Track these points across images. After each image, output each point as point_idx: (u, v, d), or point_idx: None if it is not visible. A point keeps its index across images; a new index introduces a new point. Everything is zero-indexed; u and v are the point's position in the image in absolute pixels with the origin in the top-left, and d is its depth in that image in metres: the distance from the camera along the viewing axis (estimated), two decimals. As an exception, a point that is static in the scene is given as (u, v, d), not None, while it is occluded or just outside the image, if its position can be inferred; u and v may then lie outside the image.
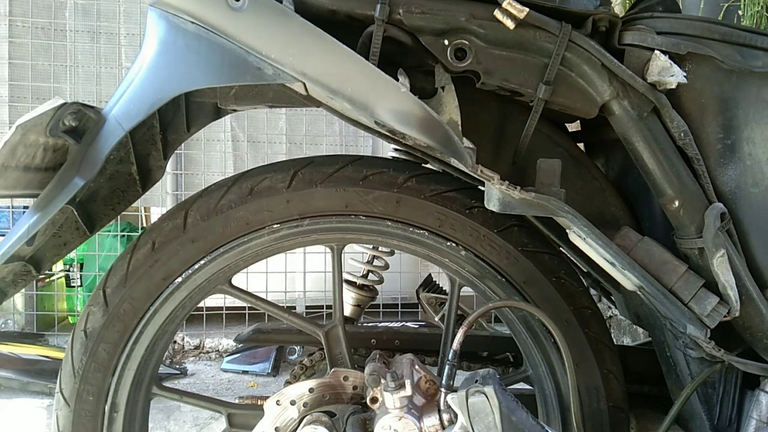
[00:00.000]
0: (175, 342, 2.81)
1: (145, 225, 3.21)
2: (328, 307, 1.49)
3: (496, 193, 0.87)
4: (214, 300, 2.69)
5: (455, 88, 0.92)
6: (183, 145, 1.25)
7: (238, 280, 1.12)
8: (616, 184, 1.11)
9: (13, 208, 2.78)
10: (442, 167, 1.09)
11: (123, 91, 0.88)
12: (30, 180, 0.88)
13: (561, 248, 1.13)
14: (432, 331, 1.42)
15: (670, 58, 0.87)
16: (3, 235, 1.26)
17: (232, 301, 2.73)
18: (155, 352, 1.09)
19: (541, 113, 0.92)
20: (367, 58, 0.85)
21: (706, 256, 0.90)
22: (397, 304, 2.96)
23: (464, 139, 0.88)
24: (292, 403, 1.06)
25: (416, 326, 1.48)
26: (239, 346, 2.69)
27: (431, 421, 0.97)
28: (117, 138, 0.87)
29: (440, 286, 1.56)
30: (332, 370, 1.09)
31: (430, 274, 1.64)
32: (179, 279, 1.02)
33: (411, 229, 1.02)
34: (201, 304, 1.16)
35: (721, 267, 0.89)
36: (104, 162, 0.88)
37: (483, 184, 0.92)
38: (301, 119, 2.94)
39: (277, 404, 1.06)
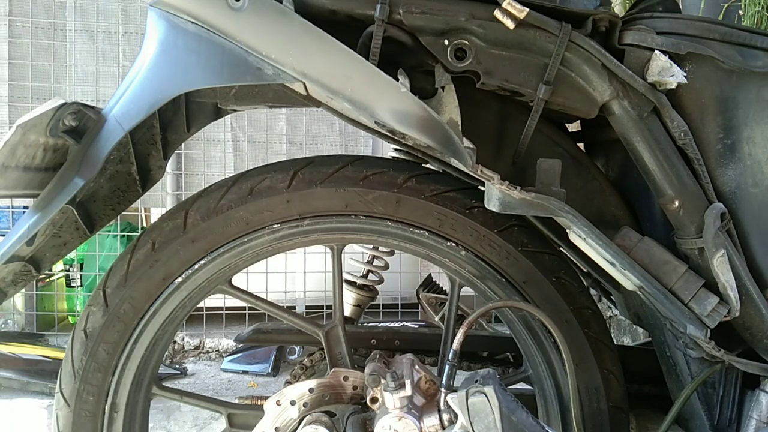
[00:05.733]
0: (175, 342, 2.81)
1: (145, 225, 3.21)
2: (328, 307, 1.49)
3: (496, 193, 0.87)
4: (214, 300, 2.69)
5: (455, 88, 0.92)
6: (183, 145, 1.26)
7: (238, 280, 1.12)
8: (616, 184, 1.11)
9: (13, 208, 2.78)
10: (442, 167, 1.09)
11: (123, 91, 0.88)
12: (30, 180, 0.88)
13: (561, 248, 1.13)
14: (432, 331, 1.42)
15: (670, 58, 0.87)
16: (3, 235, 1.26)
17: (232, 301, 2.72)
18: (155, 352, 1.09)
19: (541, 113, 0.92)
20: (367, 58, 0.85)
21: (706, 256, 0.90)
22: (397, 304, 2.96)
23: (464, 139, 0.88)
24: (292, 403, 1.06)
25: (416, 326, 1.48)
26: (239, 346, 2.69)
27: (431, 421, 0.97)
28: (117, 138, 0.87)
29: (440, 286, 1.56)
30: (332, 370, 1.09)
31: (430, 274, 1.64)
32: (179, 279, 1.02)
33: (411, 229, 1.02)
34: (201, 304, 1.16)
35: (721, 267, 0.89)
36: (104, 162, 0.88)
37: (483, 184, 0.92)
38: (301, 119, 2.94)
39: (277, 404, 1.06)
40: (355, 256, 1.42)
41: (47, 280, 2.88)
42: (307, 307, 2.93)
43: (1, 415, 2.15)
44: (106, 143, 0.87)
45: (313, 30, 0.82)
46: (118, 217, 2.37)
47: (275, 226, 1.01)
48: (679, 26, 0.90)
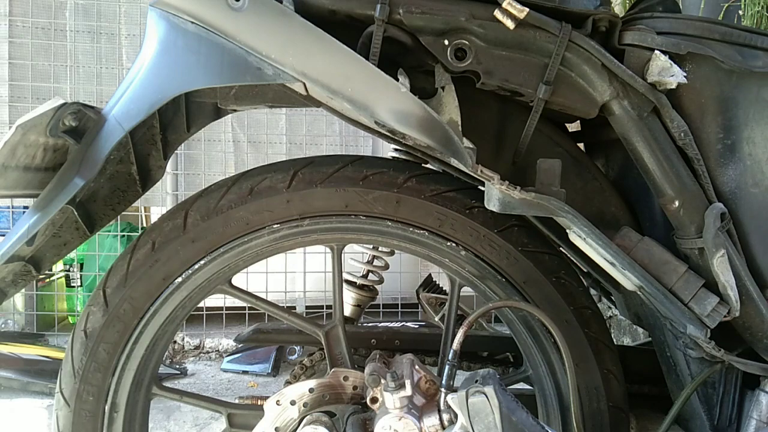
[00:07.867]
0: (175, 342, 2.81)
1: (145, 225, 3.21)
2: (328, 307, 1.49)
3: (496, 193, 0.87)
4: (214, 300, 2.69)
5: (455, 88, 0.92)
6: (183, 145, 1.26)
7: (238, 280, 1.12)
8: (616, 184, 1.10)
9: (13, 208, 2.78)
10: (442, 167, 1.09)
11: (123, 91, 0.88)
12: (30, 180, 0.88)
13: (561, 248, 1.13)
14: (432, 331, 1.42)
15: (670, 58, 0.87)
16: (3, 235, 1.26)
17: (232, 301, 2.73)
18: (155, 352, 1.09)
19: (541, 113, 0.92)
20: (367, 58, 0.85)
21: (706, 256, 0.90)
22: (397, 304, 2.97)
23: (464, 139, 0.88)
24: (292, 403, 1.06)
25: (416, 326, 1.47)
26: (239, 346, 2.69)
27: (431, 421, 0.97)
28: (117, 138, 0.87)
29: (440, 286, 1.56)
30: (332, 370, 1.09)
31: (430, 274, 1.64)
32: (179, 279, 1.02)
33: (411, 229, 1.02)
34: (201, 304, 1.16)
35: (721, 267, 0.89)
36: (104, 162, 0.88)
37: (483, 184, 0.92)
38: (301, 120, 2.95)
39: (277, 404, 1.06)
40: (355, 256, 1.42)
41: (47, 280, 2.88)
42: (307, 307, 2.93)
43: (1, 415, 2.15)
44: (106, 143, 0.87)
45: (313, 30, 0.82)
46: (118, 217, 2.37)
47: (275, 226, 1.01)
48: (679, 26, 0.90)
